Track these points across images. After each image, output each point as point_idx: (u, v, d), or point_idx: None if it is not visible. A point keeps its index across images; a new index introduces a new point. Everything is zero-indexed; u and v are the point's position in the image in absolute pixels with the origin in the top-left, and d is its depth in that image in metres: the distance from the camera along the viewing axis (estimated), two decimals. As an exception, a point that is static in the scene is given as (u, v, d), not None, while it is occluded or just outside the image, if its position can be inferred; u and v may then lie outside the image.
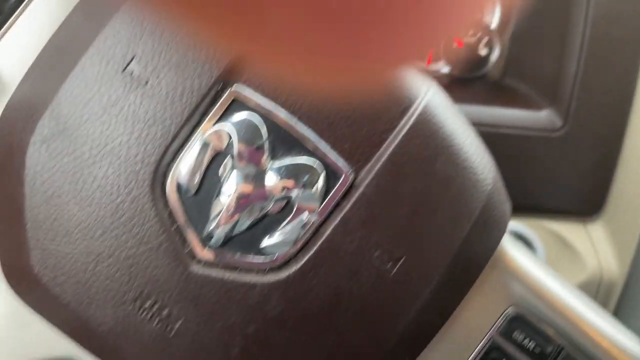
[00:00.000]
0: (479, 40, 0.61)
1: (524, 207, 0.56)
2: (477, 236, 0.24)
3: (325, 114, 0.22)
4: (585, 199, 0.55)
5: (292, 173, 0.22)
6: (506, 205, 0.25)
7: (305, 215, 0.22)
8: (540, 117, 0.53)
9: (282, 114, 0.22)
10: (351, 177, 0.22)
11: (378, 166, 0.22)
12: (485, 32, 0.61)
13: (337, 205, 0.22)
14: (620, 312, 0.54)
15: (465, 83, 0.61)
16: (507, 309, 0.25)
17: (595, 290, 0.54)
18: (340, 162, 0.22)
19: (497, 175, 0.25)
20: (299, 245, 0.22)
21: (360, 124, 0.22)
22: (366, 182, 0.22)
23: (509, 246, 0.26)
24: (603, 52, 0.51)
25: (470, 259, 0.24)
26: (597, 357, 0.24)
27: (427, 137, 0.23)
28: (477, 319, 0.25)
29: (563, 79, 0.52)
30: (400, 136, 0.23)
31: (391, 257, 0.22)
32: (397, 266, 0.22)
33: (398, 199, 0.22)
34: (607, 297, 0.54)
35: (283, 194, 0.22)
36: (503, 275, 0.25)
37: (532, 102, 0.55)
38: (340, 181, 0.22)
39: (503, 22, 0.61)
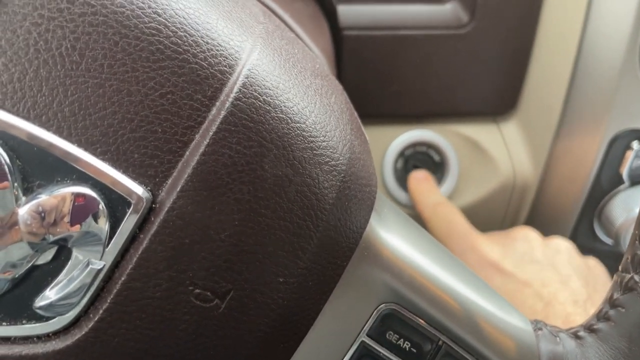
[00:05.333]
0: None
1: (433, 114, 0.51)
2: (329, 238, 0.19)
3: (94, 118, 0.16)
4: (498, 98, 0.51)
5: (56, 209, 0.16)
6: (369, 187, 0.20)
7: (88, 262, 0.16)
8: (445, 12, 0.47)
9: (27, 131, 0.15)
10: (146, 202, 0.16)
11: (183, 180, 0.16)
12: None
13: (132, 240, 0.16)
14: (533, 216, 0.53)
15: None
16: (378, 306, 0.21)
17: (509, 194, 0.52)
18: (126, 182, 0.16)
19: (354, 155, 0.19)
20: (85, 300, 0.16)
21: (151, 124, 0.16)
22: (168, 204, 0.16)
23: (378, 232, 0.21)
24: None
25: (324, 263, 0.19)
26: (479, 350, 0.21)
27: (248, 128, 0.17)
28: (344, 322, 0.21)
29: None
30: (209, 134, 0.17)
31: (215, 293, 0.17)
32: (226, 301, 0.17)
33: (215, 218, 0.17)
34: (520, 201, 0.52)
35: (49, 237, 0.16)
36: (370, 271, 0.21)
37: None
38: (131, 209, 0.16)
39: None
